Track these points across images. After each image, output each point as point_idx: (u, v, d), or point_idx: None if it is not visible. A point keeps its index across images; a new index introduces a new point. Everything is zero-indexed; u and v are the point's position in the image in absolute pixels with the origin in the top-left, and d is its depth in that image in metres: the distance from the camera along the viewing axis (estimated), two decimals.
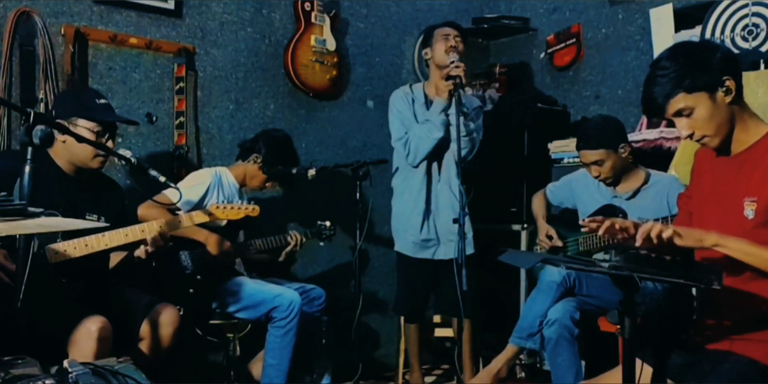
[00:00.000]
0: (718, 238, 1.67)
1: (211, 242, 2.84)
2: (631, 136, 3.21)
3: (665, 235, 1.63)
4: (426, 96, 3.28)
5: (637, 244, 1.66)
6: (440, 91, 3.15)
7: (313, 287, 3.15)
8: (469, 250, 3.16)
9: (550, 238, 3.10)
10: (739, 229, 1.75)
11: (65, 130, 2.05)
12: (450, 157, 3.19)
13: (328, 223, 3.30)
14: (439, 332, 3.66)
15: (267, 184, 3.17)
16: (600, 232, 1.80)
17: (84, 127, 2.34)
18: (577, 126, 3.06)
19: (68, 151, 2.36)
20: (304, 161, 3.38)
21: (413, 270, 3.31)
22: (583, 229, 1.88)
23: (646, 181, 2.88)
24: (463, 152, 3.07)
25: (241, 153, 3.18)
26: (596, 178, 2.89)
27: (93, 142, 2.26)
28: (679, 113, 1.78)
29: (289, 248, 3.14)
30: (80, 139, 2.10)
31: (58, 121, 2.21)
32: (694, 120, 1.78)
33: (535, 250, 3.28)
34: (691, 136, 1.81)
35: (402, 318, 3.47)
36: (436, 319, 3.63)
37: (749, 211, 1.76)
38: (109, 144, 2.41)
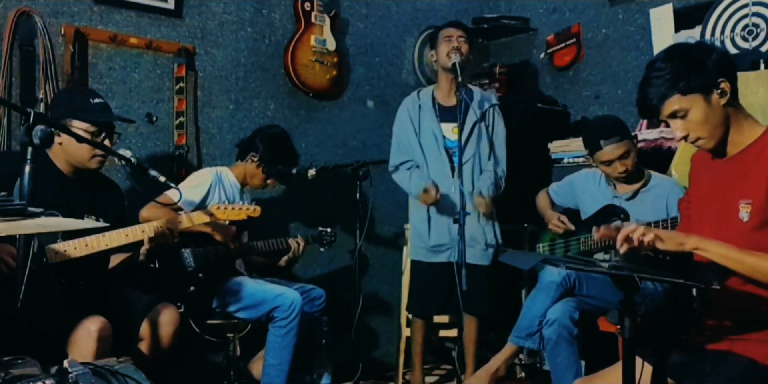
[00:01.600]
0: (698, 241, 1.67)
1: (217, 234, 2.84)
2: None
3: (646, 239, 1.63)
4: (434, 99, 3.28)
5: (618, 245, 1.66)
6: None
7: (313, 287, 3.15)
8: (486, 260, 3.20)
9: (563, 222, 3.07)
10: (735, 231, 1.75)
11: (64, 130, 2.05)
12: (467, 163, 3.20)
13: (329, 229, 3.31)
14: (441, 332, 3.65)
15: (268, 182, 3.17)
16: (619, 247, 1.76)
17: (79, 128, 2.33)
18: (586, 129, 2.97)
19: (66, 152, 2.36)
20: (304, 161, 3.38)
21: (427, 272, 3.29)
22: (595, 236, 1.88)
23: (646, 183, 2.88)
24: (491, 190, 3.20)
25: (240, 153, 3.19)
26: (622, 173, 2.80)
27: (92, 142, 2.25)
28: (673, 115, 1.78)
29: (290, 255, 3.14)
30: (80, 139, 2.10)
31: (60, 122, 2.21)
32: (689, 122, 1.77)
33: (537, 249, 3.28)
34: (685, 138, 1.81)
35: (408, 315, 3.46)
36: (441, 319, 3.63)
37: (744, 213, 1.75)
38: (106, 142, 2.40)
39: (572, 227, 3.04)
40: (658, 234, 1.65)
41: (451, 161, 3.23)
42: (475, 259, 3.12)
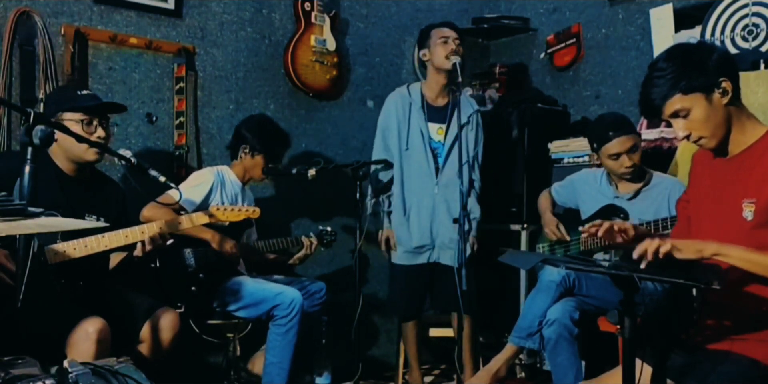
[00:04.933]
0: (717, 247, 1.66)
1: (216, 241, 2.85)
2: None
3: (663, 250, 1.63)
4: (423, 97, 3.28)
5: (642, 266, 1.66)
6: None
7: (312, 281, 3.15)
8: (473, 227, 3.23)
9: (559, 230, 3.08)
10: (738, 230, 1.75)
11: (61, 128, 2.04)
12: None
13: (329, 229, 3.31)
14: (437, 332, 3.65)
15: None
16: (600, 234, 1.80)
17: (70, 119, 2.33)
18: (594, 123, 2.98)
19: (62, 147, 2.35)
20: (304, 161, 3.38)
21: (408, 275, 3.30)
22: (582, 235, 1.89)
23: (647, 182, 2.87)
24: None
25: (232, 152, 3.16)
26: (629, 167, 2.78)
27: (91, 141, 2.24)
28: (675, 114, 1.79)
29: (302, 253, 3.16)
30: (80, 139, 2.10)
31: (52, 120, 2.20)
32: (691, 121, 1.78)
33: (538, 248, 3.28)
34: (687, 138, 1.81)
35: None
36: (434, 318, 3.63)
37: (748, 212, 1.76)
38: (100, 131, 2.38)
39: (567, 238, 3.05)
40: (674, 244, 1.64)
41: (436, 162, 3.24)
42: (452, 260, 3.12)
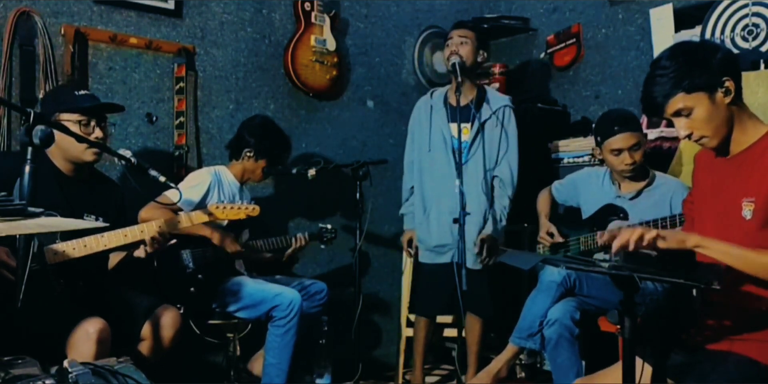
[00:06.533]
0: (699, 239, 1.67)
1: (216, 237, 2.84)
2: None
3: (648, 237, 1.64)
4: (445, 99, 3.30)
5: (614, 250, 1.66)
6: None
7: (313, 282, 3.15)
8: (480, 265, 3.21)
9: (551, 235, 3.08)
10: (738, 229, 1.76)
11: (60, 128, 2.04)
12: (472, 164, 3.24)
13: (329, 226, 3.31)
14: (449, 332, 3.64)
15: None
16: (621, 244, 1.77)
17: (68, 120, 2.32)
18: (602, 117, 2.96)
19: (61, 148, 2.34)
20: (304, 161, 3.38)
21: (432, 274, 3.30)
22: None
23: (650, 182, 2.87)
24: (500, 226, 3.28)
25: (232, 152, 3.16)
26: (629, 164, 2.77)
27: (90, 141, 2.24)
28: (677, 113, 1.78)
29: (290, 251, 3.15)
30: (80, 139, 2.10)
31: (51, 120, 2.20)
32: (693, 120, 1.78)
33: (537, 248, 3.28)
34: (689, 137, 1.81)
35: (409, 315, 3.47)
36: (444, 319, 3.62)
37: (747, 211, 1.76)
38: (98, 132, 2.38)
39: (560, 240, 3.04)
40: (659, 232, 1.65)
41: (458, 161, 3.25)
42: (473, 263, 3.12)
